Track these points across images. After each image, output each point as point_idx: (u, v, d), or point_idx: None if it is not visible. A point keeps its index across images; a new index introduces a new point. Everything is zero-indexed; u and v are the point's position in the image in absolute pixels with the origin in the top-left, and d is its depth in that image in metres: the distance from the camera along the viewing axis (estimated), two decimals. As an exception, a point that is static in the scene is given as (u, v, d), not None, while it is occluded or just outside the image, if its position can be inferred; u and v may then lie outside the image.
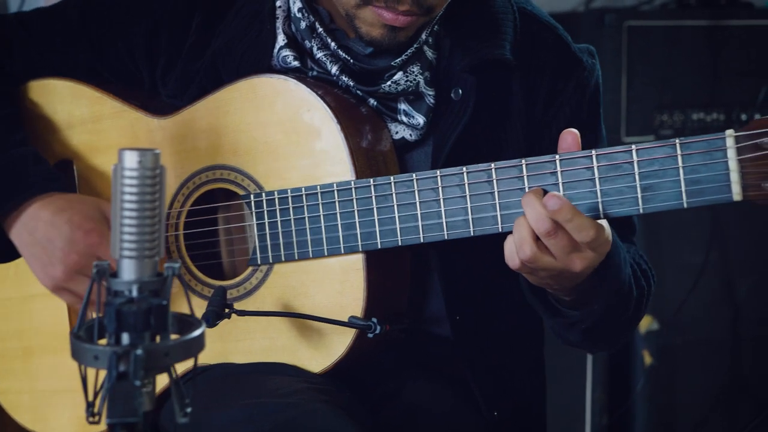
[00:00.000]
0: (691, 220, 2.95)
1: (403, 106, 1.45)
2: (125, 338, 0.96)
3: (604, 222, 1.25)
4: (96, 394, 0.99)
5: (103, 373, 0.96)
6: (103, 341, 0.98)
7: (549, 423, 1.63)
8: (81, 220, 1.44)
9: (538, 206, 1.21)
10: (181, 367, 1.02)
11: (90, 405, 0.98)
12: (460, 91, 1.43)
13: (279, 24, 1.47)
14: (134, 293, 0.97)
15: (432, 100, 1.45)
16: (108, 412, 0.91)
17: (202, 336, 0.99)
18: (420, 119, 1.45)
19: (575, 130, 1.27)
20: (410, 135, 1.46)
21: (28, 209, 1.47)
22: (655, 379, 2.93)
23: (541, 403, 1.58)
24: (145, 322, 0.95)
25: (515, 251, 1.24)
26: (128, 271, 0.97)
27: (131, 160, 0.96)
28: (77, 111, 1.58)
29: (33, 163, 1.51)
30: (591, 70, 1.51)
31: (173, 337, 1.00)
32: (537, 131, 1.46)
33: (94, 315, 0.99)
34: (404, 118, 1.45)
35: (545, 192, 1.24)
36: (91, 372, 1.01)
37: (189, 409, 1.00)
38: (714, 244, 2.99)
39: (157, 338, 0.98)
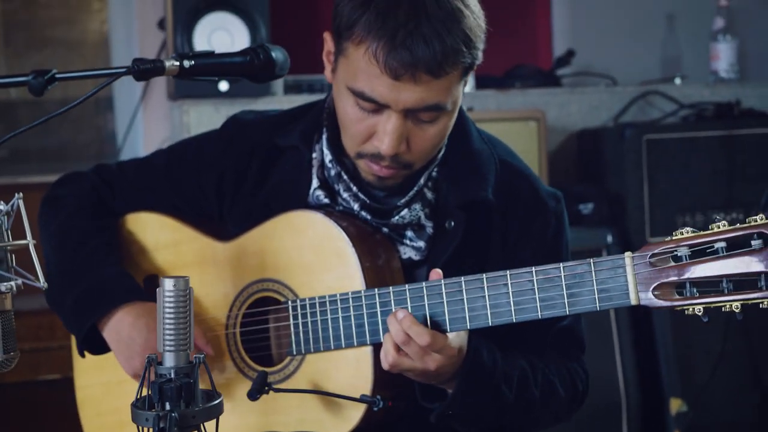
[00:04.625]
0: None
1: (409, 233, 1.87)
2: (167, 406, 1.39)
3: (451, 335, 1.69)
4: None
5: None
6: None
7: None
8: (156, 324, 1.90)
9: (396, 323, 1.67)
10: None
11: None
12: (452, 223, 1.84)
13: (314, 171, 1.91)
14: (172, 375, 1.40)
15: (431, 230, 1.86)
16: None
17: (220, 404, 1.41)
18: (421, 244, 1.86)
19: (439, 271, 1.71)
20: (415, 255, 1.87)
21: (116, 314, 1.91)
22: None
23: None
24: (178, 395, 1.38)
25: (383, 357, 1.70)
26: (168, 360, 1.40)
27: (169, 284, 1.40)
28: (162, 237, 2.04)
29: (121, 278, 1.96)
30: (554, 212, 1.90)
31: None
32: (509, 261, 1.81)
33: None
34: (409, 242, 1.87)
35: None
36: None
37: None
38: (731, 332, 3.25)
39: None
